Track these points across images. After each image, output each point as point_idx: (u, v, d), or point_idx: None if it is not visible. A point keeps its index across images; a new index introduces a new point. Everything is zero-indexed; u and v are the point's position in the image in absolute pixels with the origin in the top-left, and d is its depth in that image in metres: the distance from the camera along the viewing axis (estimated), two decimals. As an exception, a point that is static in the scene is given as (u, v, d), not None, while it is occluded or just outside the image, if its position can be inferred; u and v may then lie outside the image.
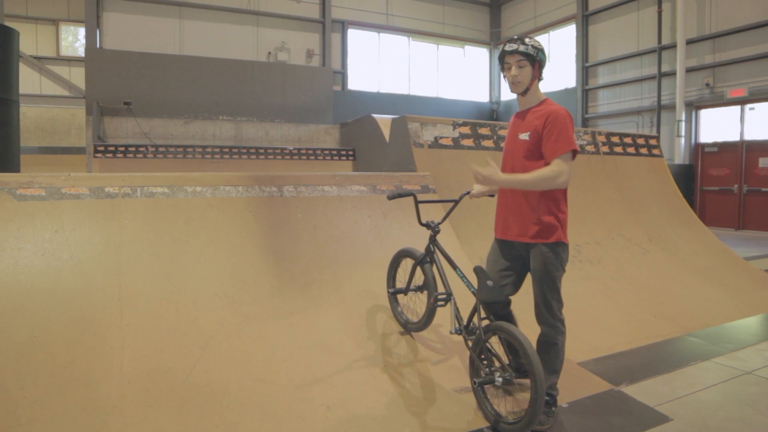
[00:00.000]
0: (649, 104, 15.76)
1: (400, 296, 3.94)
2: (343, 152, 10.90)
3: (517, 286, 3.21)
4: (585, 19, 18.14)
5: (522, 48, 2.94)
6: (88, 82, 12.86)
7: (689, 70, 14.50)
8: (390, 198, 3.53)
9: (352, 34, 19.36)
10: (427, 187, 5.04)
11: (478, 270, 3.02)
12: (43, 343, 3.08)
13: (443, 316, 3.69)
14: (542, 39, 20.48)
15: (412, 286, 3.76)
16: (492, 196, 3.47)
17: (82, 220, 3.72)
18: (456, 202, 3.55)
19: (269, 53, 17.35)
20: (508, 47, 2.98)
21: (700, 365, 4.07)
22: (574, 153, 2.91)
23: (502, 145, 6.09)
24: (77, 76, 16.90)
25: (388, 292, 3.93)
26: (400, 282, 3.90)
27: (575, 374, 3.65)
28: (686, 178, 14.35)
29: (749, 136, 13.87)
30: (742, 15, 13.65)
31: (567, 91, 19.01)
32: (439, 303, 3.38)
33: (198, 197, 4.15)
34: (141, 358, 3.16)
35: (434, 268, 3.52)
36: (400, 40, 20.51)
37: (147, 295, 3.52)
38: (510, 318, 3.23)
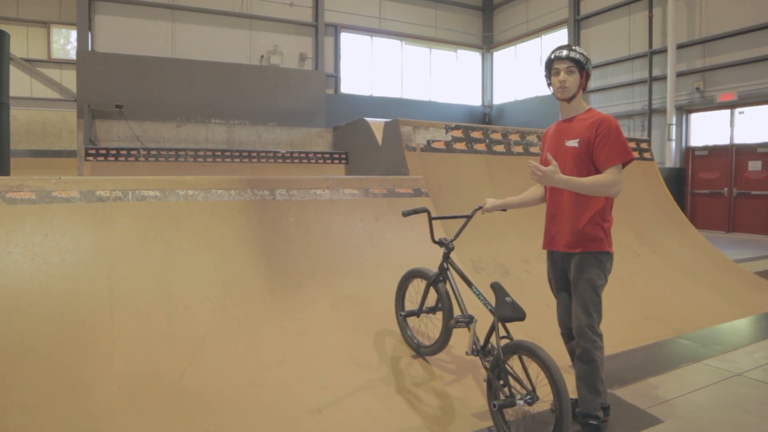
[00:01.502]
0: (641, 108, 15.86)
1: (411, 319, 3.80)
2: (336, 156, 10.89)
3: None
4: (577, 24, 18.24)
5: (573, 54, 2.94)
6: (79, 85, 12.80)
7: (680, 75, 14.62)
8: (405, 215, 3.45)
9: (345, 37, 19.39)
10: (419, 190, 5.05)
11: (495, 286, 2.91)
12: (32, 348, 3.06)
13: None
14: (534, 43, 20.59)
15: (424, 308, 3.63)
16: (504, 210, 3.43)
17: (73, 223, 3.70)
18: (468, 217, 3.47)
19: (262, 57, 17.34)
20: (558, 53, 2.97)
21: (691, 367, 4.09)
22: (626, 162, 2.89)
23: (495, 148, 6.17)
24: (68, 78, 16.81)
25: (399, 315, 3.79)
26: (410, 303, 3.78)
27: (567, 378, 3.66)
28: (677, 182, 14.45)
29: (739, 140, 13.98)
30: (731, 20, 13.78)
31: (559, 95, 19.08)
32: (460, 325, 3.20)
33: (190, 201, 4.13)
34: (132, 362, 3.15)
35: (448, 287, 3.41)
36: (392, 44, 20.56)
37: (138, 299, 3.51)
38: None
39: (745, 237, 13.17)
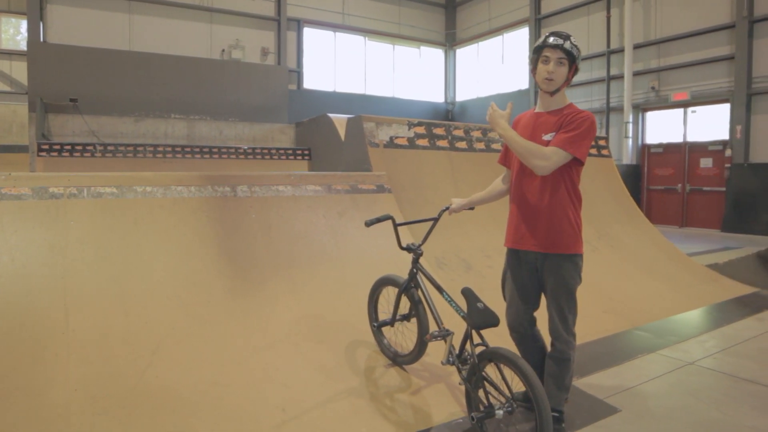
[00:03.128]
0: (599, 106, 16.24)
1: (386, 328, 3.68)
2: (299, 152, 10.81)
3: (538, 300, 3.02)
4: (538, 23, 18.54)
5: (567, 45, 2.70)
6: (30, 77, 12.32)
7: (636, 74, 15.04)
8: (368, 224, 3.25)
9: (308, 32, 19.23)
10: (382, 186, 5.06)
11: (467, 292, 2.76)
12: (-19, 351, 2.94)
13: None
14: (496, 41, 20.84)
15: (398, 316, 3.52)
16: (471, 209, 3.31)
17: (24, 221, 3.57)
18: (435, 220, 3.35)
19: (223, 51, 17.05)
20: (554, 40, 2.72)
21: (647, 357, 4.22)
22: (577, 160, 2.76)
23: (457, 145, 6.23)
24: (19, 70, 16.17)
25: (372, 326, 3.67)
26: (384, 313, 3.67)
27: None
28: (633, 178, 14.87)
29: (691, 138, 14.48)
30: (684, 22, 14.23)
31: (520, 93, 19.39)
32: (436, 339, 3.05)
33: (148, 198, 4.04)
34: (88, 364, 3.06)
35: (420, 294, 3.32)
36: (356, 40, 20.50)
37: (95, 300, 3.41)
38: (537, 340, 3.09)
39: (697, 231, 13.66)
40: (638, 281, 5.87)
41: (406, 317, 3.48)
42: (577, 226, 2.84)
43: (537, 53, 2.80)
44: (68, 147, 9.88)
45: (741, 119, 13.06)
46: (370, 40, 20.76)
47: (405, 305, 3.49)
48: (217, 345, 3.43)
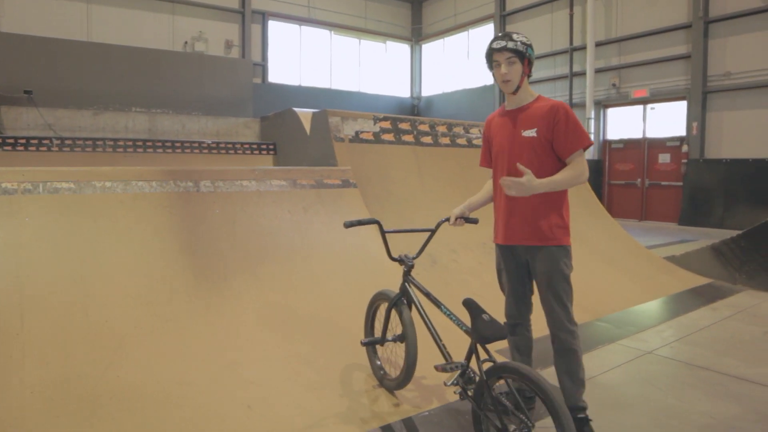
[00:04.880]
0: (563, 101, 16.55)
1: (381, 347, 3.42)
2: (264, 146, 10.68)
3: (533, 286, 2.97)
4: (503, 19, 18.73)
5: (511, 44, 2.75)
6: (-18, 68, 11.85)
7: (598, 71, 15.35)
8: (348, 226, 2.98)
9: (273, 26, 19.00)
10: (347, 181, 5.04)
11: (469, 303, 2.52)
12: (-70, 354, 2.83)
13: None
14: (462, 37, 20.98)
15: (390, 336, 3.22)
16: (476, 222, 3.13)
17: (-24, 218, 3.44)
18: (433, 231, 3.14)
19: (185, 43, 16.71)
20: (496, 44, 2.78)
21: (608, 347, 4.34)
22: (585, 147, 2.78)
23: (423, 140, 6.25)
24: (-30, 61, 15.53)
25: (361, 342, 3.28)
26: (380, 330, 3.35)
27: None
28: (595, 173, 15.22)
29: (651, 134, 14.89)
30: (643, 21, 14.59)
31: (485, 89, 19.58)
32: (446, 372, 2.66)
33: (108, 193, 3.94)
34: (45, 366, 2.97)
35: (412, 311, 3.10)
36: (321, 34, 20.35)
37: (52, 299, 3.31)
38: (529, 329, 3.05)
39: (656, 225, 14.06)
40: (600, 274, 6.01)
41: (400, 337, 3.15)
42: (566, 219, 2.86)
43: (488, 60, 2.86)
44: (22, 141, 9.53)
45: (697, 116, 13.48)
46: (335, 34, 20.65)
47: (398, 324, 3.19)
48: (180, 343, 3.37)
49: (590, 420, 2.78)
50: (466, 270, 5.11)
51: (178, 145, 11.11)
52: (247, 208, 4.41)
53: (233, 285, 3.90)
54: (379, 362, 3.41)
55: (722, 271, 6.79)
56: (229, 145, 11.18)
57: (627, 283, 5.99)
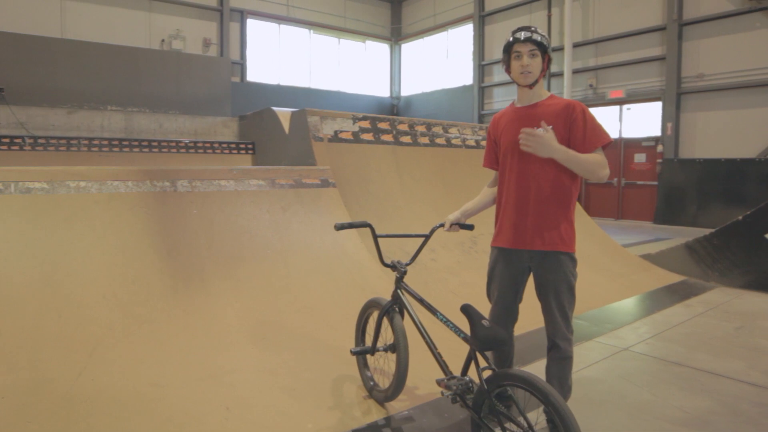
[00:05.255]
0: (539, 102, 16.71)
1: (371, 357, 3.28)
2: (242, 146, 10.59)
3: (522, 295, 2.90)
4: (482, 19, 18.85)
5: (535, 37, 2.66)
6: (-49, 65, 11.57)
7: (575, 72, 15.54)
8: (338, 228, 2.87)
9: (252, 24, 18.87)
10: (326, 181, 5.03)
11: (468, 309, 2.41)
12: None
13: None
14: (441, 37, 21.07)
15: (381, 345, 3.08)
16: (471, 229, 3.04)
17: (-56, 219, 3.35)
18: (427, 237, 3.00)
19: (163, 41, 16.51)
20: (521, 35, 2.68)
21: (584, 345, 4.39)
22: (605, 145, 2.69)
23: (402, 139, 6.26)
24: (-62, 58, 15.15)
25: (351, 351, 3.13)
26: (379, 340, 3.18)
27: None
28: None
29: (627, 134, 15.12)
30: (619, 23, 14.81)
31: (464, 88, 19.68)
32: (450, 392, 2.49)
33: (82, 193, 3.87)
34: (17, 370, 2.91)
35: (405, 319, 2.97)
36: (301, 33, 20.27)
37: (24, 302, 3.25)
38: (512, 336, 2.96)
39: (632, 223, 14.28)
40: (578, 272, 6.07)
41: (391, 347, 3.02)
42: (573, 222, 2.80)
43: (507, 52, 2.75)
44: (-6, 140, 9.32)
45: (671, 117, 13.72)
46: (315, 33, 20.58)
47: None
48: (157, 345, 3.33)
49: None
50: (445, 269, 5.14)
51: (155, 144, 10.96)
52: (225, 208, 4.37)
53: (211, 286, 3.87)
54: (369, 372, 3.27)
55: (696, 269, 6.92)
56: (207, 145, 11.06)
57: (604, 281, 6.07)
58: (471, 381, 2.50)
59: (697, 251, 7.08)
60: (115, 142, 10.58)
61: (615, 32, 14.75)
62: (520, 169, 2.76)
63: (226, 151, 10.42)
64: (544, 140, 2.50)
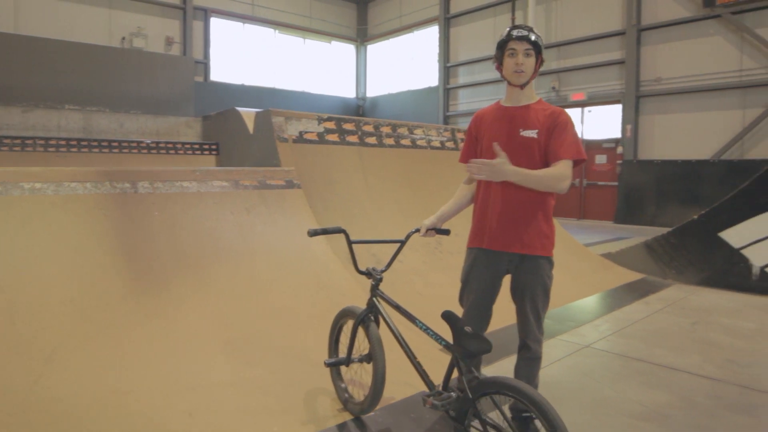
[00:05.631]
0: (504, 104, 16.96)
1: (345, 368, 3.17)
2: (206, 146, 10.43)
3: (492, 309, 2.87)
4: (447, 22, 19.01)
5: (533, 36, 2.63)
6: None
7: (539, 74, 15.83)
8: (312, 234, 2.75)
9: (215, 23, 18.62)
10: (291, 182, 4.99)
11: (449, 316, 2.33)
12: None
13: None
14: (407, 38, 21.17)
15: (356, 356, 2.98)
16: (447, 233, 2.94)
17: None
18: (402, 242, 2.92)
19: (123, 39, 16.15)
20: (518, 33, 2.63)
21: (548, 343, 4.46)
22: (577, 161, 2.67)
23: (367, 140, 6.27)
24: None
25: (325, 363, 3.02)
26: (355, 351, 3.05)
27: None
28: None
29: (588, 136, 15.45)
30: (581, 27, 15.14)
31: (430, 90, 19.82)
32: (437, 409, 2.39)
33: (38, 195, 3.75)
34: (-32, 378, 2.80)
35: (380, 328, 2.89)
36: (265, 32, 20.09)
37: (-25, 307, 3.12)
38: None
39: (594, 223, 14.61)
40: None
41: (366, 358, 2.91)
42: (552, 226, 2.80)
43: (501, 48, 2.70)
44: (-57, 140, 8.95)
45: (631, 119, 14.10)
46: (280, 33, 20.43)
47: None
48: (117, 350, 3.25)
49: (534, 418, 2.81)
50: (411, 270, 5.16)
51: (115, 144, 10.70)
52: (187, 210, 4.30)
53: (173, 289, 3.79)
54: (343, 384, 3.16)
55: (654, 267, 7.12)
56: (170, 145, 10.86)
57: (566, 280, 6.19)
58: (455, 392, 2.43)
59: (655, 250, 7.28)
60: (73, 142, 10.29)
61: (577, 36, 15.08)
62: None
63: (189, 152, 10.25)
64: (495, 169, 2.49)
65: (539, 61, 2.71)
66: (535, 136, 2.65)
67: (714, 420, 3.13)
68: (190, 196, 4.38)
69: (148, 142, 10.95)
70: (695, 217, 6.91)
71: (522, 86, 2.72)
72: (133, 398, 2.95)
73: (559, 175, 2.57)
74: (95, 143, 10.46)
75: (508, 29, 2.71)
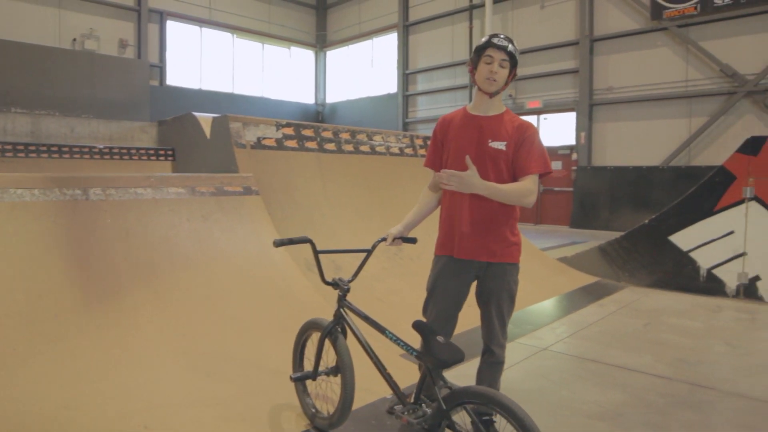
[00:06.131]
0: (462, 111, 17.21)
1: (310, 382, 3.09)
2: (162, 152, 10.19)
3: (457, 317, 2.87)
4: (406, 29, 19.16)
5: (511, 48, 2.63)
6: None
7: (498, 82, 16.11)
8: (278, 245, 2.69)
9: (172, 26, 18.26)
10: (249, 188, 4.93)
11: (421, 326, 2.31)
12: None
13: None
14: (366, 45, 21.24)
15: (323, 368, 2.91)
16: (414, 242, 2.91)
17: None
18: (369, 252, 2.87)
19: (74, 40, 15.66)
20: (498, 41, 2.62)
21: (507, 346, 4.51)
22: (543, 174, 2.71)
23: (326, 147, 6.25)
24: None
25: (291, 377, 2.98)
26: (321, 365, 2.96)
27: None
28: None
29: (544, 143, 15.77)
30: (537, 37, 15.50)
31: (389, 97, 19.92)
32: (401, 417, 2.38)
33: (-19, 202, 3.59)
34: None
35: (348, 340, 2.83)
36: (223, 37, 19.83)
37: None
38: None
39: (550, 228, 14.92)
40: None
41: (333, 371, 2.87)
42: (518, 234, 2.82)
43: (479, 53, 2.68)
44: None
45: (584, 127, 14.49)
46: (238, 38, 20.20)
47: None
48: (68, 363, 3.13)
49: (494, 421, 2.84)
50: (371, 276, 5.15)
51: (65, 149, 10.34)
52: (141, 218, 4.18)
53: (127, 299, 3.68)
54: (309, 399, 3.08)
55: (608, 270, 7.32)
56: (124, 151, 10.57)
57: (524, 284, 6.22)
58: (426, 403, 2.43)
59: (609, 253, 7.49)
60: (20, 147, 9.90)
61: (533, 45, 15.42)
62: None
63: (144, 158, 10.00)
64: (464, 181, 2.52)
65: (512, 74, 2.72)
66: (504, 148, 2.66)
67: (665, 417, 3.23)
68: (145, 203, 4.26)
69: (101, 147, 10.62)
70: (646, 221, 7.14)
71: (492, 95, 2.71)
72: (84, 413, 2.84)
73: (525, 190, 2.61)
74: (44, 148, 10.08)
75: (488, 36, 2.71)
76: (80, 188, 4.01)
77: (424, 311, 2.91)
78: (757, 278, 6.15)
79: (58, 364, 3.10)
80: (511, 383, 3.72)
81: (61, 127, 12.47)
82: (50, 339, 3.22)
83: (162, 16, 17.84)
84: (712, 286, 6.42)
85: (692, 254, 6.61)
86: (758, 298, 6.09)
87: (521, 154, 2.66)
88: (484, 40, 2.69)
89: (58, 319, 3.35)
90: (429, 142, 3.00)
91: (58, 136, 12.32)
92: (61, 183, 3.96)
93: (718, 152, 12.28)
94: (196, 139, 6.48)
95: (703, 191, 6.61)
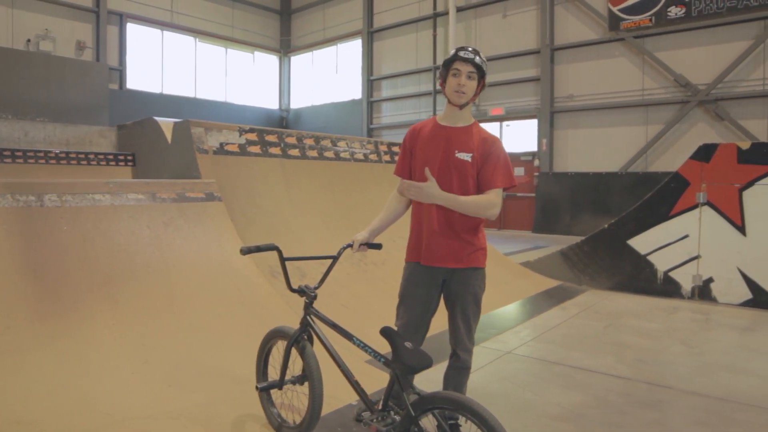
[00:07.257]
0: (426, 117, 17.29)
1: (275, 392, 3.04)
2: (121, 157, 9.94)
3: (429, 324, 2.89)
4: (370, 36, 19.23)
5: (478, 60, 2.67)
6: None
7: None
8: (245, 252, 2.68)
9: (132, 28, 17.88)
10: (212, 194, 4.85)
11: (389, 332, 2.29)
12: None
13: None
14: (330, 51, 21.22)
15: (288, 377, 2.88)
16: (379, 248, 2.93)
17: None
18: (335, 258, 2.87)
19: (29, 41, 15.17)
20: (465, 54, 2.67)
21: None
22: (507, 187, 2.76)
23: (290, 152, 6.20)
24: None
25: (256, 388, 2.94)
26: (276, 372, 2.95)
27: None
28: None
29: (507, 149, 15.99)
30: (499, 45, 15.76)
31: (353, 103, 19.94)
32: (371, 425, 2.39)
33: (-73, 209, 3.44)
34: None
35: (314, 347, 2.80)
36: (186, 40, 19.52)
37: None
38: None
39: (513, 233, 15.15)
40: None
41: (299, 380, 2.86)
42: (483, 239, 2.86)
43: (447, 67, 2.73)
44: None
45: (546, 133, 14.79)
46: (201, 42, 19.91)
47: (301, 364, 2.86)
48: (21, 376, 3.01)
49: (460, 425, 2.79)
50: (335, 282, 5.11)
51: (18, 154, 9.98)
52: (99, 224, 4.06)
53: (84, 308, 3.57)
54: (275, 409, 3.04)
55: (569, 274, 7.47)
56: (81, 156, 10.26)
57: (488, 289, 6.27)
58: (394, 409, 2.43)
59: (570, 257, 7.64)
60: (-29, 152, 9.52)
61: (495, 53, 15.67)
62: (418, 180, 2.75)
63: (103, 163, 9.73)
64: (423, 191, 2.57)
65: (481, 84, 2.75)
66: (469, 159, 2.70)
67: (625, 416, 3.31)
68: (103, 210, 4.15)
69: (57, 152, 10.30)
70: (606, 226, 7.32)
71: (461, 106, 2.75)
72: (39, 428, 2.74)
73: (487, 203, 2.65)
74: (-5, 153, 9.72)
75: (455, 49, 2.75)
76: (34, 194, 3.87)
77: (396, 317, 2.91)
78: (710, 280, 6.37)
79: (11, 378, 2.99)
80: (476, 386, 3.75)
81: (14, 131, 12.02)
82: (2, 351, 3.10)
83: (122, 18, 17.45)
84: (668, 288, 6.61)
85: (650, 257, 6.81)
86: (712, 299, 6.31)
87: (487, 167, 2.71)
88: (451, 53, 2.73)
89: (11, 331, 3.23)
90: (400, 150, 3.01)
91: (10, 140, 11.87)
92: (13, 189, 3.82)
93: (673, 158, 12.70)
94: (157, 144, 6.35)
95: (660, 196, 6.82)
